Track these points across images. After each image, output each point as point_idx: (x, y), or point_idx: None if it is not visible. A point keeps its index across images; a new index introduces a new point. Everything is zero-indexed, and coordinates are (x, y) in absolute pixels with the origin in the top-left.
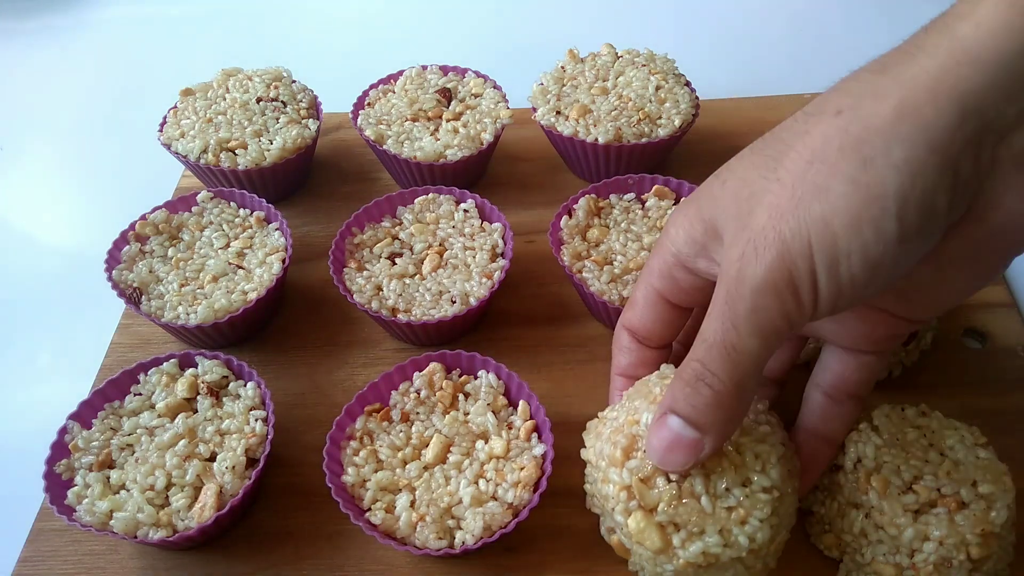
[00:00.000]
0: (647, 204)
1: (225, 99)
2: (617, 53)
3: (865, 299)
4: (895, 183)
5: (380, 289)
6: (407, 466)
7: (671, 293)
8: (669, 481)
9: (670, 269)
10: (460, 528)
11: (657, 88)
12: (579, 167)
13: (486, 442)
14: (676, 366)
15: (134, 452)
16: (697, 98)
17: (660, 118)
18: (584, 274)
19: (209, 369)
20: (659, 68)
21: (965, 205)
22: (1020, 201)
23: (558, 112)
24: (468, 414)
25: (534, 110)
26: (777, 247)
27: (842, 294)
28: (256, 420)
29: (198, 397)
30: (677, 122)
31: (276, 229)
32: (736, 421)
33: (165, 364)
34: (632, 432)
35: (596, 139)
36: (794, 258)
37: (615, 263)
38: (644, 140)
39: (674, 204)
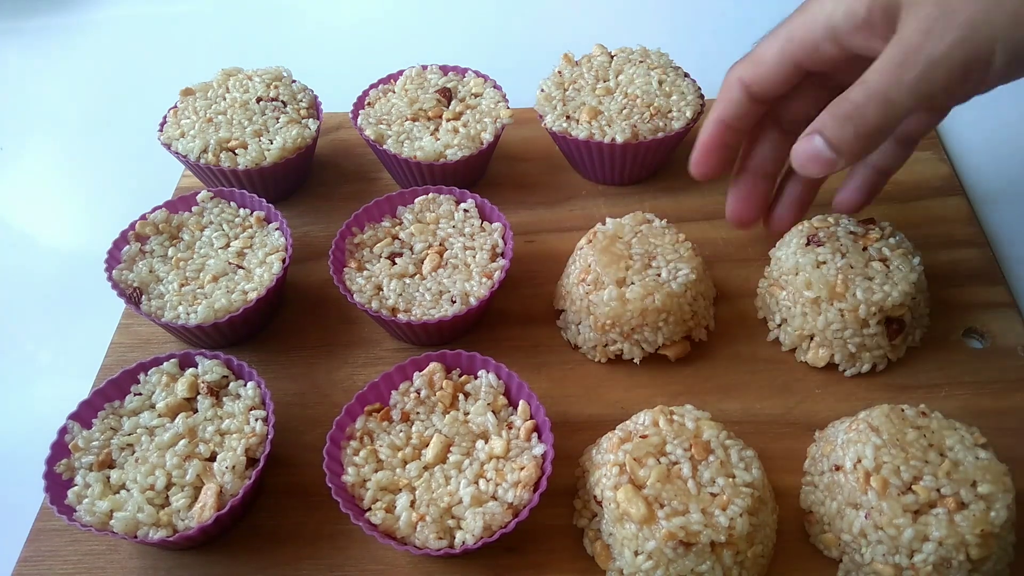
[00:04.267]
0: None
1: (225, 99)
2: (610, 53)
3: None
4: None
5: (380, 289)
6: (407, 466)
7: (808, 60)
8: (659, 463)
9: (816, 40)
10: (460, 528)
11: (660, 82)
12: (592, 169)
13: (486, 442)
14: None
15: (134, 452)
16: (699, 87)
17: (671, 111)
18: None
19: (209, 369)
20: (656, 63)
21: None
22: None
23: (568, 117)
24: (468, 414)
25: (541, 118)
26: (963, 31)
27: (1006, 79)
28: (256, 420)
29: (198, 397)
30: (689, 113)
31: (276, 229)
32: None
33: (165, 364)
34: (629, 430)
35: (614, 139)
36: (978, 43)
37: None
38: (660, 135)
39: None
